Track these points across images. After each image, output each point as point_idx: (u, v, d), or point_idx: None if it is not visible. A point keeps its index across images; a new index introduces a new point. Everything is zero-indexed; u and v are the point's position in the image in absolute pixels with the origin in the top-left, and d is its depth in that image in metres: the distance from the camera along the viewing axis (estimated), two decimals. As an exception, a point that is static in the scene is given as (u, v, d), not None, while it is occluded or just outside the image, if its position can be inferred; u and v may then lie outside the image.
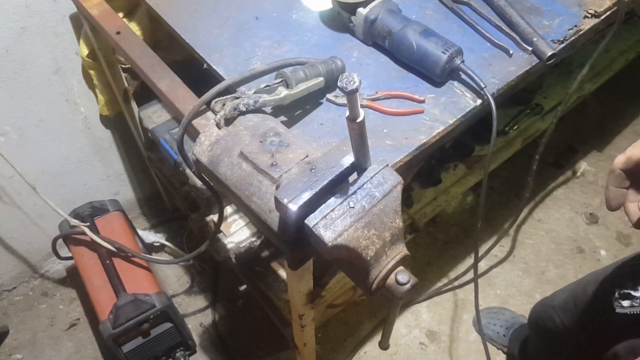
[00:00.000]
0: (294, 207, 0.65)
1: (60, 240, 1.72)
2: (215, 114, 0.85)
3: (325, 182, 0.68)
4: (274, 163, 0.75)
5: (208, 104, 0.94)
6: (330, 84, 0.98)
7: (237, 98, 0.86)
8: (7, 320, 1.96)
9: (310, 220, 0.66)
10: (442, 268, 2.12)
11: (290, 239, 0.75)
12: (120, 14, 1.40)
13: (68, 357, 1.89)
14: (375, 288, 0.72)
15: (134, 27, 1.43)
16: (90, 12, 1.25)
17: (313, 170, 0.69)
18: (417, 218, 1.78)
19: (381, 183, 0.70)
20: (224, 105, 0.86)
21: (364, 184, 0.69)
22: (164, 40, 1.57)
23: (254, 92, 0.88)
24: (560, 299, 1.37)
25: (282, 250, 0.80)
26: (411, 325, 1.99)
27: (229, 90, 0.97)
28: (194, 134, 0.97)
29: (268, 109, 0.93)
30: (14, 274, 2.00)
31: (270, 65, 1.00)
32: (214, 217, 1.48)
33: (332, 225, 0.66)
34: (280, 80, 0.92)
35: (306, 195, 0.66)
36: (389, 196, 0.70)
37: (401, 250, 0.72)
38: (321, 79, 0.94)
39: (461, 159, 1.95)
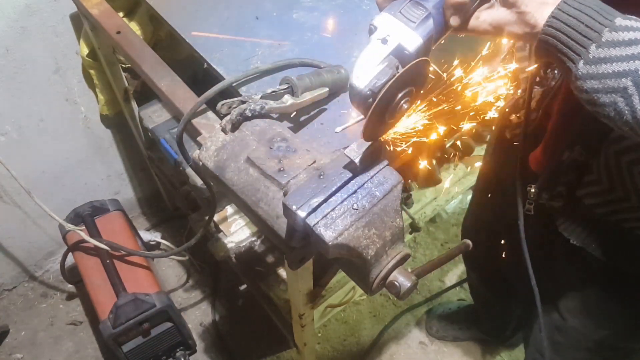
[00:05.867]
0: (302, 213, 0.65)
1: (60, 239, 1.71)
2: (221, 117, 0.84)
3: (334, 189, 0.67)
4: (282, 169, 0.74)
5: (208, 103, 0.94)
6: (334, 92, 0.97)
7: (243, 102, 0.85)
8: (7, 320, 1.96)
9: (311, 220, 0.65)
10: (442, 268, 2.12)
11: (298, 245, 0.75)
12: (121, 14, 1.40)
13: (68, 357, 1.89)
14: (376, 287, 0.71)
15: (134, 26, 1.43)
16: (91, 12, 1.25)
17: (322, 177, 0.68)
18: (417, 218, 1.78)
19: (381, 182, 0.70)
20: (230, 107, 0.85)
21: (364, 183, 0.69)
22: (164, 39, 1.57)
23: (260, 97, 0.87)
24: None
25: (283, 250, 0.80)
26: (411, 325, 1.99)
27: (234, 92, 0.97)
28: (194, 133, 0.97)
29: (274, 114, 0.92)
30: (14, 274, 2.00)
31: (274, 65, 1.00)
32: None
33: (332, 224, 0.65)
34: (286, 86, 0.91)
35: (315, 202, 0.65)
36: (390, 195, 0.70)
37: (401, 249, 0.72)
38: (326, 89, 0.93)
39: (461, 159, 1.95)
